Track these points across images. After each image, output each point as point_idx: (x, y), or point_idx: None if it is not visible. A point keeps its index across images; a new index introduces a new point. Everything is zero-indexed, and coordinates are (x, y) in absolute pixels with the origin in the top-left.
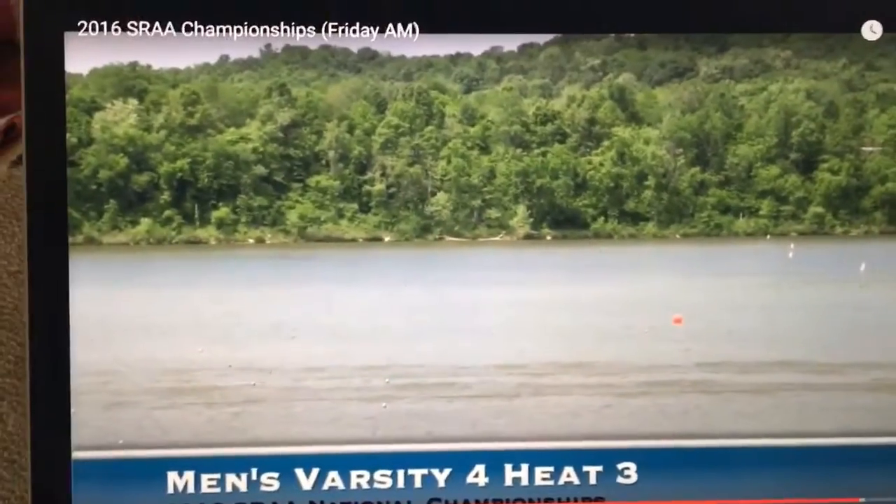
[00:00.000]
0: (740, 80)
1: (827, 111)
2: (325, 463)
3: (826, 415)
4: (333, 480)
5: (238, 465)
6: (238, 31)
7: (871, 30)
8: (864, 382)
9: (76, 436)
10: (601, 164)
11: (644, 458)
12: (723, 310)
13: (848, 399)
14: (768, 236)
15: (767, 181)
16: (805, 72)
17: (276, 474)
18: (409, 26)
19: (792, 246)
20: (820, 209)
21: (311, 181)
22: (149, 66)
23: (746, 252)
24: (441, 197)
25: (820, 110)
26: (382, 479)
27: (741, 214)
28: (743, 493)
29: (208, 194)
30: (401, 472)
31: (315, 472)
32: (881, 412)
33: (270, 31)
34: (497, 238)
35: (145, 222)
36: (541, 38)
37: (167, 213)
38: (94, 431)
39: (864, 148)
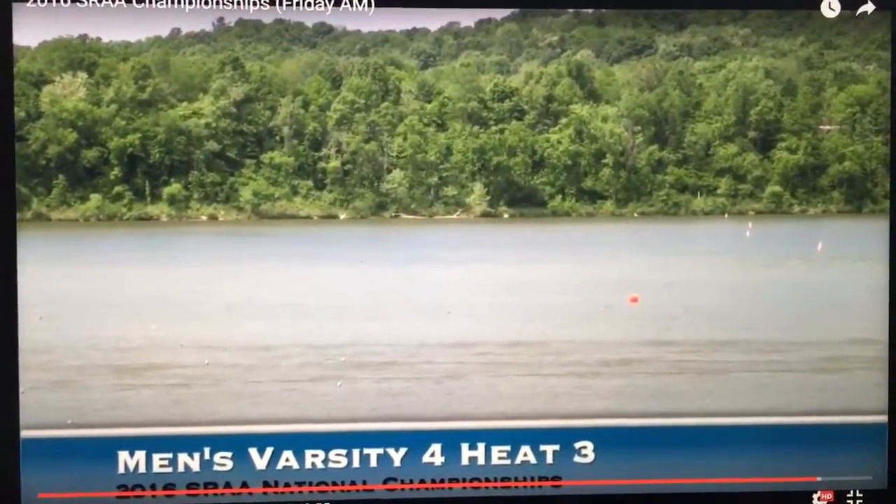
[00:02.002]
0: (699, 57)
1: (785, 89)
2: (280, 442)
3: (784, 394)
4: (288, 460)
5: (191, 444)
6: (190, 3)
7: (830, 7)
8: (822, 360)
9: (25, 414)
10: (559, 142)
11: (601, 437)
12: (680, 289)
13: (806, 377)
14: (726, 215)
15: (725, 160)
16: (763, 49)
17: (229, 454)
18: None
19: (749, 225)
20: (778, 188)
21: (265, 157)
22: (99, 39)
23: (704, 231)
24: (397, 174)
25: (778, 88)
26: (337, 458)
27: (699, 193)
28: (701, 473)
29: (160, 170)
30: (356, 452)
31: (269, 451)
32: (839, 391)
33: (223, 4)
34: (454, 216)
35: (95, 198)
36: (498, 14)
37: (118, 189)
38: (43, 410)
39: (821, 126)
